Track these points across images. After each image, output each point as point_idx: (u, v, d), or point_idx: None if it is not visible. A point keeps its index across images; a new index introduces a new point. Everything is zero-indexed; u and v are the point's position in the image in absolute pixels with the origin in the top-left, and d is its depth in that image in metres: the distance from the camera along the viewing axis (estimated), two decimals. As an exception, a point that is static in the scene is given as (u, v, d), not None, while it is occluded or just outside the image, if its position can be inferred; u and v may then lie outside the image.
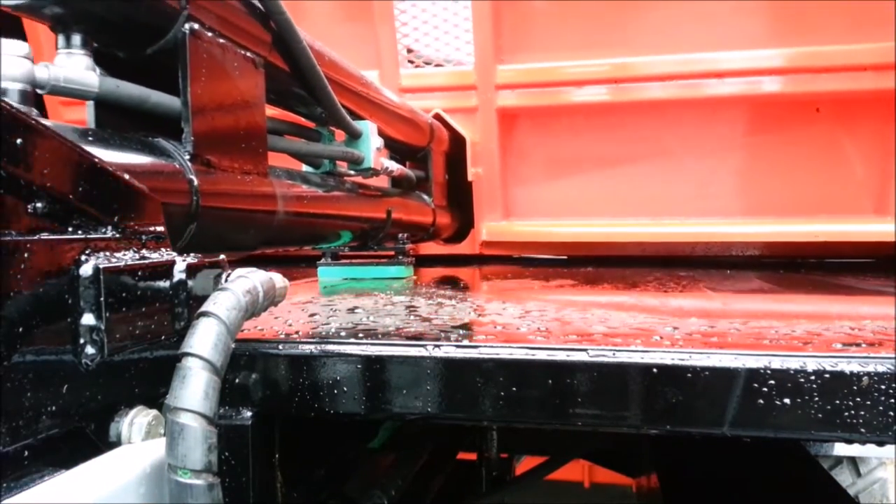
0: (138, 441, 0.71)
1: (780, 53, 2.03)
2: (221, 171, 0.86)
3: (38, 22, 0.72)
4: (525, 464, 3.21)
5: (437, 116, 2.18)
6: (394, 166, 1.54)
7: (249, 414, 0.84)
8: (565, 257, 2.35)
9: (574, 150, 2.28)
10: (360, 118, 1.35)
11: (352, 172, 1.37)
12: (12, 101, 0.68)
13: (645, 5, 2.09)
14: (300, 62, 0.95)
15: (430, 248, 2.30)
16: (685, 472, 1.77)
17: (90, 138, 0.71)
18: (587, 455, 2.79)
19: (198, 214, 0.82)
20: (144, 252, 0.74)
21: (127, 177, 0.73)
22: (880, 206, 2.08)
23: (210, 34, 0.80)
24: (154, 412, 0.74)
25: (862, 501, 3.59)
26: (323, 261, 1.64)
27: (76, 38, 0.72)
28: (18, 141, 0.59)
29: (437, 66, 2.25)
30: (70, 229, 0.65)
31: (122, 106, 0.76)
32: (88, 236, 0.67)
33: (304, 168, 1.35)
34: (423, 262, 2.28)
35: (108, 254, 0.68)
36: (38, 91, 0.69)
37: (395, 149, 1.77)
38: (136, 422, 0.72)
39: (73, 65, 0.70)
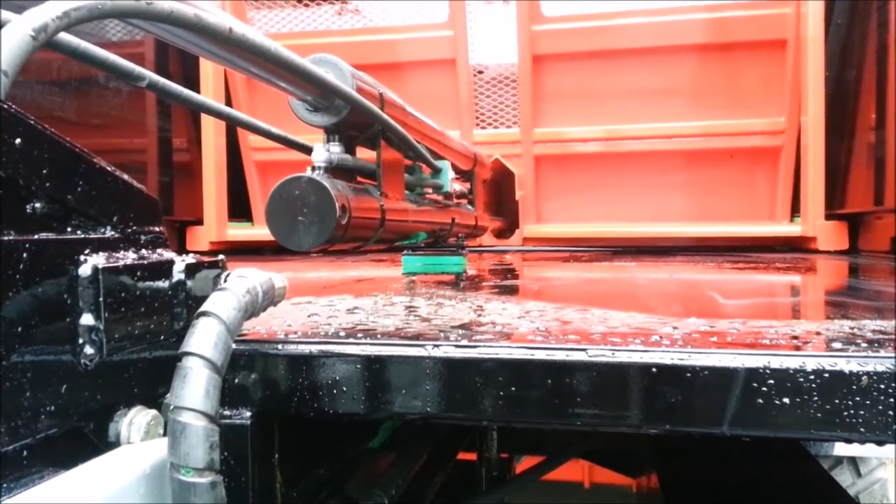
0: (138, 441, 0.71)
1: (707, 124, 3.30)
2: (390, 198, 1.48)
3: (319, 129, 1.36)
4: (525, 464, 3.21)
5: (496, 161, 3.29)
6: (458, 188, 2.18)
7: (249, 414, 0.84)
8: (574, 248, 3.50)
9: (579, 180, 3.52)
10: (440, 158, 2.00)
11: (430, 191, 2.04)
12: (322, 172, 1.27)
13: (626, 96, 3.37)
14: (412, 147, 1.63)
15: (487, 241, 3.39)
16: (685, 472, 1.77)
17: (354, 189, 1.30)
18: (587, 455, 2.81)
19: (384, 223, 1.42)
20: (144, 252, 0.74)
21: (126, 177, 0.73)
22: (772, 215, 3.32)
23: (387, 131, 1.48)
24: (153, 412, 0.74)
25: (862, 501, 3.59)
26: (406, 252, 2.25)
27: (336, 137, 1.36)
28: (18, 141, 0.59)
29: (495, 128, 3.55)
30: (69, 229, 0.66)
31: (346, 167, 1.39)
32: (87, 236, 0.67)
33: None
34: (484, 249, 3.43)
35: (107, 254, 0.68)
36: (330, 166, 1.30)
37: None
38: (135, 422, 0.72)
39: (338, 151, 1.34)
